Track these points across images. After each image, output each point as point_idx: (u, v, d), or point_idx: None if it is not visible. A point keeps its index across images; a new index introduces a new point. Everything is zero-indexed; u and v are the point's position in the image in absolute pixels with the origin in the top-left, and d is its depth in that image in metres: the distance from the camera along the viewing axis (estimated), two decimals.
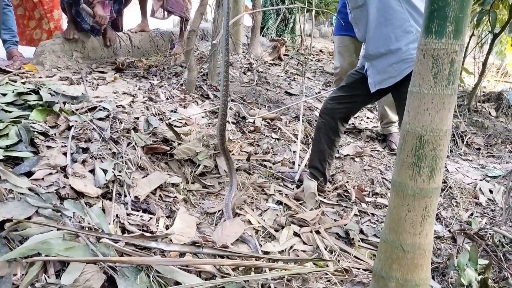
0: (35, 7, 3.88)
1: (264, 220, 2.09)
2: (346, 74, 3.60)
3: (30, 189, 1.63)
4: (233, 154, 2.65)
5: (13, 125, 1.95)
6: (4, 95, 2.24)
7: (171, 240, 1.62)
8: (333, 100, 2.40)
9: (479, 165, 3.33)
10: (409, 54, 1.99)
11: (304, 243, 1.97)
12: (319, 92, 4.29)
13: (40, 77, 2.90)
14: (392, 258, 1.35)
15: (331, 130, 2.42)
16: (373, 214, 2.45)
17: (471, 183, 2.97)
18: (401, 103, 2.07)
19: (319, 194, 2.43)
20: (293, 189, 2.53)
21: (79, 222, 1.56)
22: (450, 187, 2.81)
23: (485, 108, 4.42)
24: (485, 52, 4.41)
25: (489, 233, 2.21)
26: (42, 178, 1.74)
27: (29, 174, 1.74)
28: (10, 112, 2.10)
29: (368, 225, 2.31)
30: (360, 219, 2.37)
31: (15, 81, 2.51)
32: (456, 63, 1.19)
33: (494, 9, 3.94)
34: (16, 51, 3.20)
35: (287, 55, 6.06)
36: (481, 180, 3.03)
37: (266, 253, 1.79)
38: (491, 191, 2.88)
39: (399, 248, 1.33)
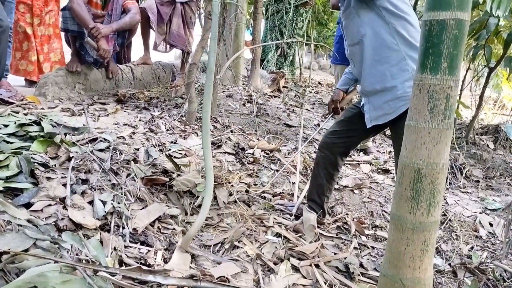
0: (25, 39, 4.03)
1: (263, 253, 2.07)
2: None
3: (28, 221, 1.63)
4: (232, 186, 2.65)
5: (14, 156, 1.96)
6: (6, 126, 2.26)
7: (168, 274, 1.60)
8: (332, 135, 2.41)
9: (478, 197, 3.33)
10: (405, 92, 2.01)
11: (304, 277, 1.95)
12: (318, 124, 4.32)
13: (42, 108, 2.93)
14: None
15: (330, 165, 2.43)
16: (373, 247, 2.42)
17: (470, 216, 2.96)
18: (397, 137, 2.09)
19: (318, 227, 2.42)
20: (292, 220, 2.52)
21: (77, 254, 1.55)
22: (450, 220, 2.80)
23: (483, 141, 4.45)
24: (482, 86, 4.48)
25: (490, 267, 2.19)
26: (41, 210, 1.74)
27: (28, 205, 1.74)
28: (11, 143, 2.12)
29: (368, 259, 2.29)
30: (360, 252, 2.35)
31: (17, 112, 2.54)
32: (451, 98, 1.22)
33: (489, 44, 4.03)
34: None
35: (286, 87, 6.15)
36: (480, 213, 3.02)
37: None
38: (491, 224, 2.86)
39: (398, 283, 1.32)
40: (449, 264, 2.31)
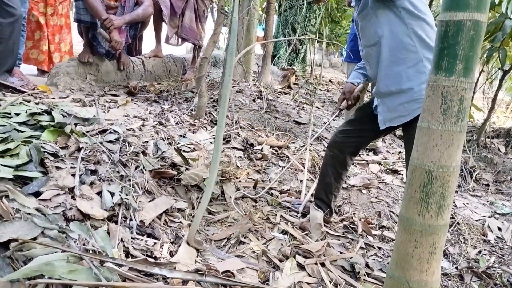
0: (37, 29, 4.05)
1: (268, 250, 2.07)
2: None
3: (37, 209, 1.64)
4: (239, 181, 2.65)
5: (24, 145, 1.98)
6: (18, 114, 2.28)
7: (174, 267, 1.60)
8: (342, 134, 2.38)
9: (487, 201, 3.29)
10: (421, 95, 1.95)
11: (309, 275, 1.95)
12: (327, 123, 4.30)
13: (53, 98, 2.95)
14: None
15: (338, 164, 2.41)
16: (379, 248, 2.41)
17: (479, 219, 2.93)
18: (409, 139, 2.06)
19: (325, 225, 2.41)
20: (299, 218, 2.51)
21: (84, 244, 1.56)
22: (458, 223, 2.77)
23: (494, 144, 4.40)
24: (495, 88, 4.42)
25: (498, 272, 2.16)
26: (50, 199, 1.75)
27: (37, 194, 1.75)
28: (22, 131, 2.14)
29: (374, 259, 2.28)
30: (366, 252, 2.34)
31: (28, 101, 2.56)
32: (465, 101, 1.20)
33: (504, 47, 3.97)
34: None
35: (297, 84, 6.13)
36: (489, 217, 2.99)
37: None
38: (499, 229, 2.83)
39: (405, 285, 1.31)
40: (456, 268, 2.30)
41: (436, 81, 1.22)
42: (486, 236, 2.71)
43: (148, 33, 4.58)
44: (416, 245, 1.29)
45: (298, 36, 6.53)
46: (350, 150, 2.38)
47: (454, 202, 3.14)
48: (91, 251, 1.51)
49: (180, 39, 4.54)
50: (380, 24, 2.04)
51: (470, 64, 1.18)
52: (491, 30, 3.94)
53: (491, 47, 3.94)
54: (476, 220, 2.90)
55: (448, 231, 2.66)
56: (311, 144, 3.59)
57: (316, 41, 7.06)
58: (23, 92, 2.86)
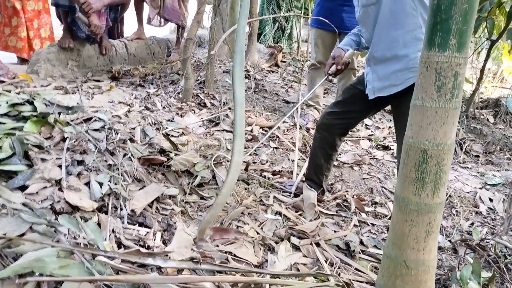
0: (14, 15, 3.90)
1: (264, 232, 2.06)
2: (320, 64, 3.71)
3: (24, 204, 1.60)
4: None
5: (6, 137, 1.91)
6: None
7: (168, 256, 1.58)
8: (330, 115, 2.34)
9: (478, 172, 3.31)
10: (416, 63, 1.88)
11: (304, 256, 1.94)
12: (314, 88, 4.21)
13: (35, 87, 2.86)
14: (395, 274, 1.32)
15: (328, 145, 2.38)
16: (373, 224, 2.42)
17: (470, 191, 2.95)
18: (400, 116, 2.02)
19: (318, 205, 2.40)
20: (292, 198, 2.50)
21: (74, 237, 1.52)
22: (450, 196, 2.79)
23: (483, 115, 4.41)
24: (483, 58, 4.41)
25: (491, 244, 2.18)
26: (37, 192, 1.71)
27: (23, 188, 1.70)
28: (3, 124, 2.06)
29: (368, 236, 2.28)
30: (360, 229, 2.34)
31: (9, 91, 2.47)
32: (459, 76, 1.17)
33: (491, 16, 3.94)
34: None
35: (284, 62, 6.05)
36: (480, 188, 3.01)
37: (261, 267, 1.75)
38: (491, 200, 2.86)
39: (402, 264, 1.30)
40: (450, 241, 2.31)
41: (429, 57, 1.18)
42: (478, 208, 2.73)
43: (130, 15, 4.45)
44: (412, 225, 1.27)
45: (284, 13, 6.41)
46: (339, 131, 2.34)
47: None
48: (82, 245, 1.48)
49: (162, 20, 4.43)
50: None
51: (464, 39, 1.14)
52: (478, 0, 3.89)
53: (479, 17, 3.90)
54: (468, 192, 2.92)
55: None
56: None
57: (302, 17, 6.94)
58: (2, 81, 2.77)
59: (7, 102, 2.24)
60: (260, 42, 6.49)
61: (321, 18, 3.39)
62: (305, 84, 4.91)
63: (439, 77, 1.17)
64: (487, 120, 4.34)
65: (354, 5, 2.21)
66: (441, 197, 1.26)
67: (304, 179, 2.60)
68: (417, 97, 1.23)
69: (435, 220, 1.27)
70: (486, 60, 4.18)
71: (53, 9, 3.69)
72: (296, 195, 2.52)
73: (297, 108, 3.57)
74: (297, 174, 2.74)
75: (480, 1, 3.86)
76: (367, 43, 2.18)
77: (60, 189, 1.76)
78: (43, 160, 1.90)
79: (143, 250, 1.54)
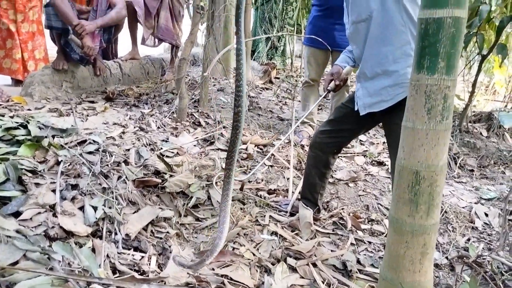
0: (8, 37, 3.92)
1: (260, 253, 2.05)
2: (313, 82, 3.78)
3: (17, 231, 1.59)
4: None
5: (0, 163, 1.91)
6: None
7: (164, 282, 1.57)
8: (323, 134, 2.35)
9: (473, 187, 3.32)
10: (405, 79, 1.88)
11: (301, 277, 1.93)
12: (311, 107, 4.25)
13: (29, 109, 2.86)
14: None
15: (321, 164, 2.39)
16: (370, 242, 2.41)
17: (466, 206, 2.95)
18: (392, 131, 2.03)
19: (314, 223, 2.40)
20: (287, 217, 2.49)
21: (69, 264, 1.51)
22: (445, 212, 2.79)
23: (476, 129, 4.44)
24: (475, 72, 4.45)
25: (488, 261, 2.18)
26: (30, 218, 1.70)
27: (17, 214, 1.69)
28: None
29: (365, 254, 2.27)
30: (357, 248, 2.33)
31: (3, 115, 2.47)
32: (449, 99, 1.19)
33: (481, 31, 3.99)
34: None
35: (278, 78, 6.09)
36: (476, 203, 3.01)
37: None
38: (486, 215, 2.85)
39: (398, 286, 1.30)
40: (446, 258, 2.30)
41: (419, 80, 1.20)
42: (474, 223, 2.72)
43: (124, 35, 4.49)
44: (407, 246, 1.27)
45: (277, 30, 6.48)
46: (332, 149, 2.35)
47: None
48: (76, 272, 1.46)
49: (156, 40, 4.47)
50: None
51: (452, 62, 1.16)
52: (468, 16, 3.95)
53: (469, 32, 3.95)
54: (463, 207, 2.92)
55: None
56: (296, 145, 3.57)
57: (295, 33, 7.01)
58: None
59: (1, 127, 2.24)
60: (253, 60, 6.53)
61: (313, 36, 3.42)
62: (299, 101, 4.94)
63: (429, 99, 1.18)
64: (481, 133, 4.37)
65: (345, 22, 2.23)
66: (435, 218, 1.26)
67: (299, 197, 2.60)
68: (408, 119, 1.24)
69: (430, 241, 1.27)
70: (477, 75, 4.23)
71: (47, 31, 3.72)
72: (292, 214, 2.51)
73: (292, 127, 3.58)
74: (293, 192, 2.74)
75: (470, 16, 3.93)
76: (358, 60, 2.19)
77: (54, 215, 1.75)
78: (37, 185, 1.90)
79: (137, 275, 1.53)
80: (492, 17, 4.12)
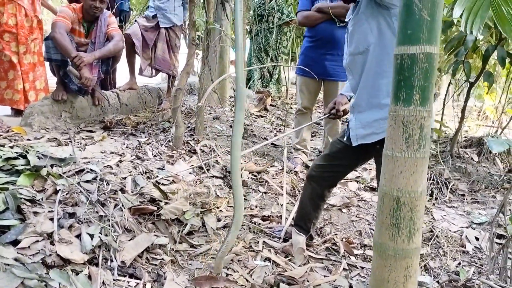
0: (10, 68, 4.02)
1: (253, 279, 2.09)
2: (306, 110, 3.89)
3: (16, 259, 1.63)
4: (220, 211, 2.67)
5: (0, 193, 1.96)
6: None
7: None
8: (319, 168, 2.41)
9: (464, 211, 3.37)
10: None
11: None
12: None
13: (28, 139, 2.93)
14: None
15: (316, 196, 2.46)
16: (362, 268, 2.45)
17: (457, 230, 3.00)
18: (379, 164, 2.09)
19: (307, 249, 2.44)
20: (281, 243, 2.53)
21: None
22: (437, 236, 2.83)
23: (467, 154, 4.52)
24: (464, 99, 4.57)
25: (477, 284, 2.22)
26: (29, 247, 1.74)
27: (15, 242, 1.74)
28: None
29: (357, 280, 2.31)
30: (350, 273, 2.37)
31: (3, 146, 2.54)
32: (425, 128, 1.26)
33: (468, 60, 4.13)
34: None
35: (273, 105, 6.20)
36: (467, 227, 3.06)
37: None
38: (477, 239, 2.90)
39: None
40: (438, 282, 2.34)
41: (396, 111, 1.28)
42: (465, 247, 2.77)
43: (123, 65, 4.61)
44: (391, 270, 1.33)
45: (272, 59, 6.63)
46: (327, 183, 2.42)
47: (432, 215, 3.21)
48: None
49: (154, 70, 4.60)
50: (371, 31, 2.00)
51: (426, 94, 1.25)
52: (455, 45, 4.09)
53: (456, 60, 4.09)
54: (454, 232, 2.97)
55: (428, 245, 2.72)
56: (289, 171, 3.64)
57: (290, 61, 7.17)
58: None
59: (1, 157, 2.31)
60: (249, 88, 6.66)
61: (304, 67, 3.53)
62: (293, 127, 5.03)
63: (406, 129, 1.26)
64: (472, 158, 4.45)
65: (344, 52, 2.26)
66: (417, 242, 1.32)
67: (293, 223, 2.65)
68: (387, 147, 1.32)
69: (413, 264, 1.32)
70: (466, 101, 4.34)
71: (47, 62, 3.83)
72: (285, 240, 2.56)
73: (284, 153, 3.66)
74: (286, 218, 2.79)
75: (456, 45, 4.08)
76: (353, 90, 2.23)
77: (52, 243, 1.80)
78: (35, 213, 1.95)
79: None
80: (478, 45, 4.26)
